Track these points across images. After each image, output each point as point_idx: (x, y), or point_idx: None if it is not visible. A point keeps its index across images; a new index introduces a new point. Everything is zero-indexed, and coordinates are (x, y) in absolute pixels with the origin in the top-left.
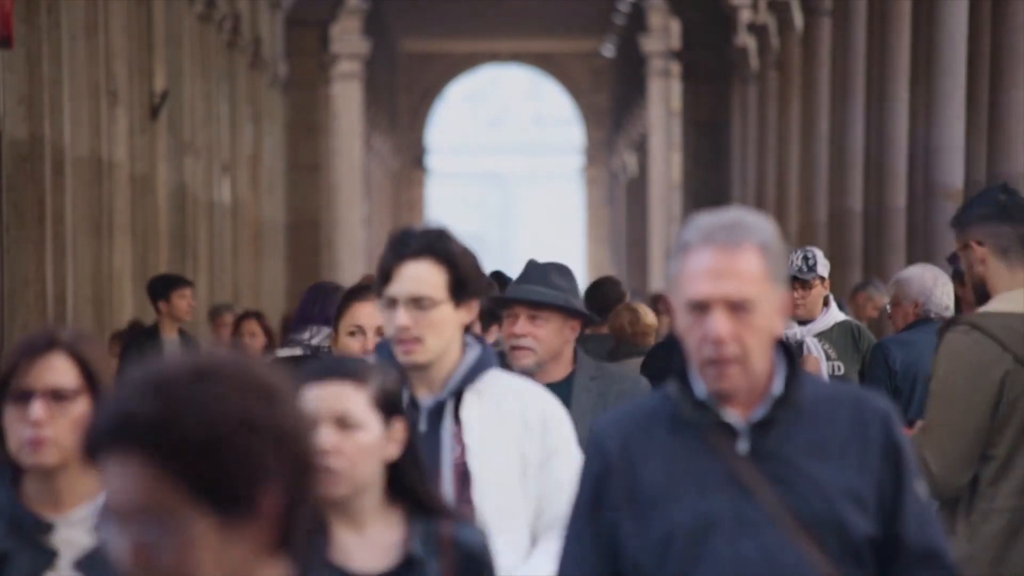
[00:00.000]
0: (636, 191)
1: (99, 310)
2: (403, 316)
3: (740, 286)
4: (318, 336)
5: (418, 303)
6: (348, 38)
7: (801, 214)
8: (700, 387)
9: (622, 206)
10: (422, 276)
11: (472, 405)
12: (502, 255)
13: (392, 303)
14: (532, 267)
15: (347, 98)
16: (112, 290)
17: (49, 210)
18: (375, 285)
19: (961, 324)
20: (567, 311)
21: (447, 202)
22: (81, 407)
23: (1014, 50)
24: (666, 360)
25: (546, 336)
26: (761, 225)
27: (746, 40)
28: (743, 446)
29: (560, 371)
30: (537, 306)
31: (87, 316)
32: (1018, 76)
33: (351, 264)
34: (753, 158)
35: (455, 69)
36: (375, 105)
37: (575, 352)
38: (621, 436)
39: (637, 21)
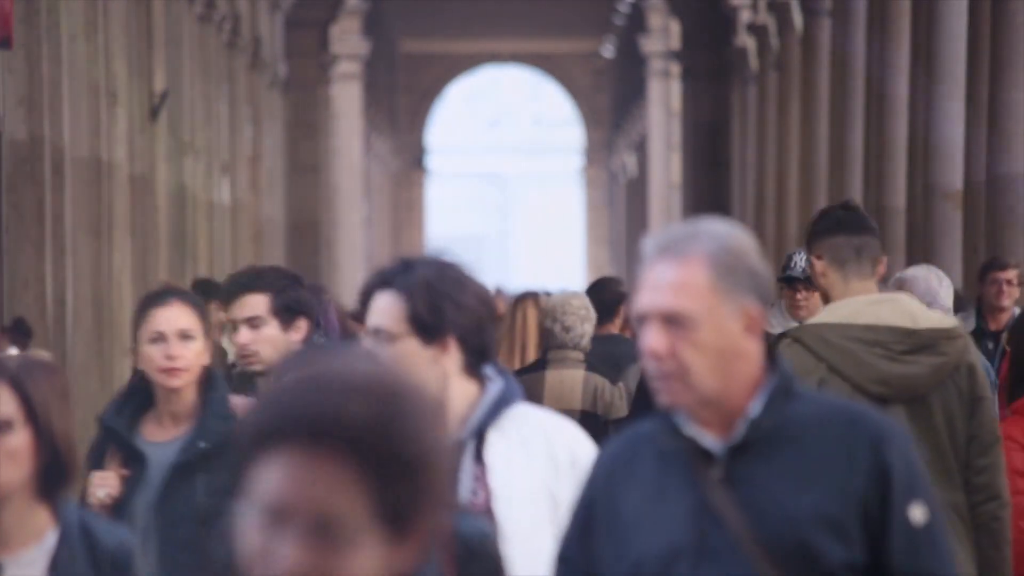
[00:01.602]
0: (636, 192)
1: (99, 310)
2: None
3: (675, 299)
4: None
5: (379, 337)
6: (348, 39)
7: (800, 214)
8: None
9: (622, 207)
10: (381, 308)
11: (496, 445)
12: (502, 256)
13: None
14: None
15: (347, 99)
16: (112, 290)
17: (49, 210)
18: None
19: (787, 337)
20: None
21: (447, 203)
22: (20, 439)
23: (1014, 50)
24: None
25: None
26: (719, 236)
27: (746, 41)
28: (716, 472)
29: None
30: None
31: (87, 316)
32: (1017, 76)
33: (351, 264)
34: (753, 158)
35: (455, 70)
36: (375, 106)
37: None
38: (609, 464)
39: (637, 22)
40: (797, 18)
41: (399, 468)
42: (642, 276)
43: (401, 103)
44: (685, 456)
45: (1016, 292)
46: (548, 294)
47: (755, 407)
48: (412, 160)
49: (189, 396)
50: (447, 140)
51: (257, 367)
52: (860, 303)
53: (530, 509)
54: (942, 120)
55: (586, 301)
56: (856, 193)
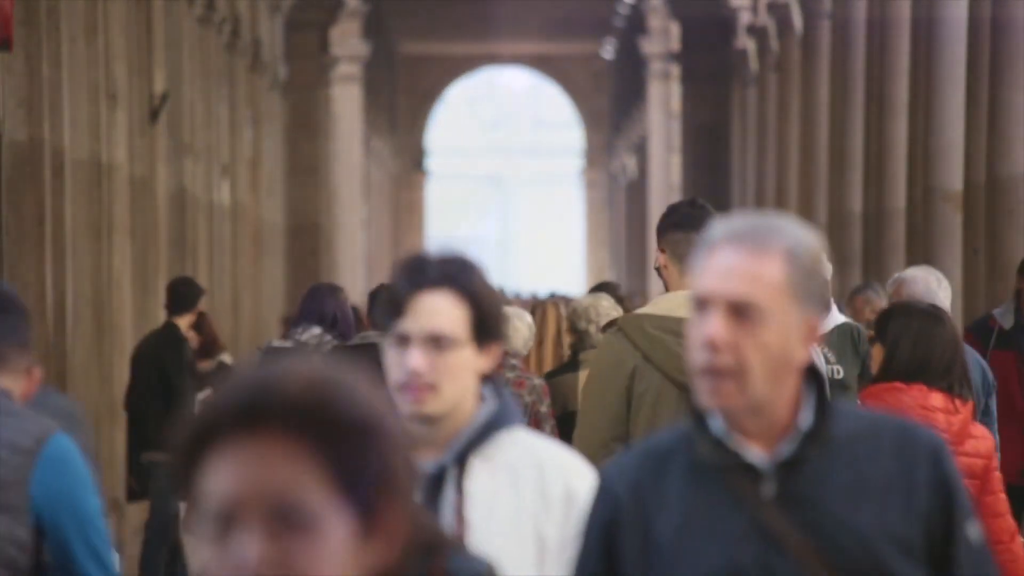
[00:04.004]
0: (635, 193)
1: (99, 312)
2: (417, 357)
3: (747, 288)
4: (305, 333)
5: (436, 343)
6: (348, 40)
7: (800, 216)
8: (718, 422)
9: (621, 209)
10: (442, 310)
11: (479, 474)
12: (502, 258)
13: (404, 341)
14: None
15: (347, 100)
16: (112, 292)
17: (49, 212)
18: (384, 320)
19: (612, 327)
20: None
21: (446, 204)
22: None
23: (1013, 52)
24: None
25: None
26: (798, 235)
27: (746, 42)
28: (768, 489)
29: None
30: None
31: (87, 318)
32: (1017, 78)
33: (350, 266)
34: (753, 160)
35: (454, 71)
36: (375, 107)
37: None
38: (632, 482)
39: (637, 23)
40: (797, 20)
41: (346, 434)
42: (706, 261)
43: (401, 105)
44: (725, 472)
45: None
46: (560, 297)
47: (805, 420)
48: (412, 162)
49: None
50: (447, 142)
51: None
52: (682, 297)
53: (510, 545)
54: (942, 122)
55: (613, 302)
56: (856, 194)
